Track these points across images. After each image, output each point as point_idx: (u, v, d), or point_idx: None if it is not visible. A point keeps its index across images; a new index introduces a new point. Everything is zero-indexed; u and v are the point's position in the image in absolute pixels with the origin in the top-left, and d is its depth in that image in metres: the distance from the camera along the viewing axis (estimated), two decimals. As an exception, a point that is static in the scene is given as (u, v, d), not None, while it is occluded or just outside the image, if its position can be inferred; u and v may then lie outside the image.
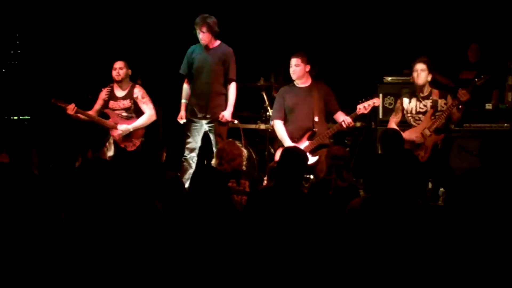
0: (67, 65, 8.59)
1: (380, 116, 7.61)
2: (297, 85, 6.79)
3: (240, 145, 5.87)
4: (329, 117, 6.91)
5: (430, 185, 6.88)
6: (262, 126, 7.91)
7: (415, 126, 6.42)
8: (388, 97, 7.60)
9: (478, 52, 7.59)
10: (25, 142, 5.25)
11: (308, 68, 6.72)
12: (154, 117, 7.06)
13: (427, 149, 6.27)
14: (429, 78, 6.42)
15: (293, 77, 6.74)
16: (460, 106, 6.22)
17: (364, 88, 7.78)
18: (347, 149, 7.46)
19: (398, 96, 7.38)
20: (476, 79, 6.30)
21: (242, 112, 8.01)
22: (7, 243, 4.15)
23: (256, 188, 5.42)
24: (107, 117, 7.02)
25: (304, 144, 6.63)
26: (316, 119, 6.66)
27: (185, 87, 7.10)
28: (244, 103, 7.14)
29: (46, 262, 4.10)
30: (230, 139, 6.17)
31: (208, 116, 6.92)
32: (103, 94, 7.08)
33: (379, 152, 6.46)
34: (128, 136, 6.94)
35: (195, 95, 6.96)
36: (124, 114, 7.01)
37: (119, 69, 7.00)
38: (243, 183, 5.36)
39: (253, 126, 8.03)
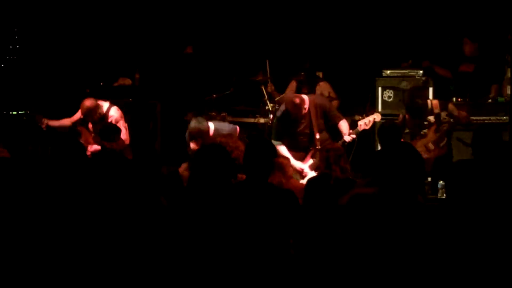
0: (65, 60, 8.59)
1: (379, 109, 7.59)
2: None
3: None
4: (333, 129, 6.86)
5: (429, 178, 6.87)
6: (261, 120, 7.89)
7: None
8: (387, 90, 7.59)
9: (472, 46, 7.55)
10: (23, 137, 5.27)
11: (306, 104, 6.60)
12: (125, 143, 6.75)
13: (429, 164, 6.27)
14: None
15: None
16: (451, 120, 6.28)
17: (362, 81, 7.78)
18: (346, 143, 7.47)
19: (396, 89, 7.38)
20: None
21: (240, 106, 8.01)
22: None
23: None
24: (78, 133, 6.77)
25: (308, 163, 6.64)
26: (317, 136, 6.66)
27: None
28: (242, 97, 7.11)
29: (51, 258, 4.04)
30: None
31: None
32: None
33: (378, 145, 6.45)
34: None
35: None
36: None
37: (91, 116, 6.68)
38: (240, 177, 5.33)
39: (252, 120, 8.01)
